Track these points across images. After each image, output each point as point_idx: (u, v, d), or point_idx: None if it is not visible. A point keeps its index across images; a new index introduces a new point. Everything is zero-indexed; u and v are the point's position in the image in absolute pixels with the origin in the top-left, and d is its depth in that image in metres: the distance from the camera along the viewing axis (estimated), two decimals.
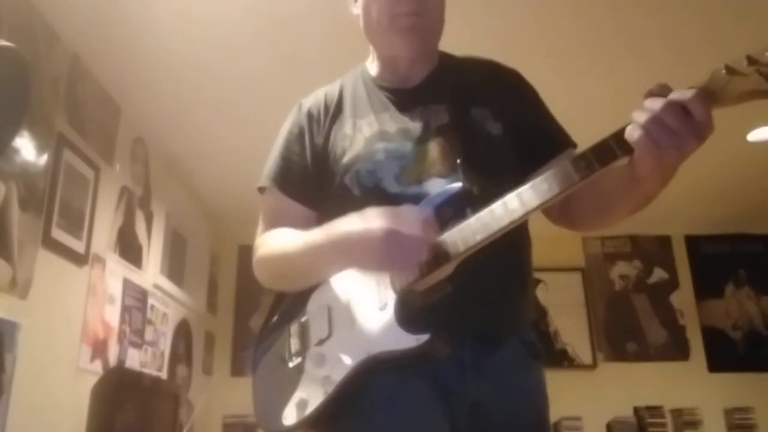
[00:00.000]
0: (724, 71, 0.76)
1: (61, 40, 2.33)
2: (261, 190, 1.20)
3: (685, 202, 4.05)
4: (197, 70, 2.63)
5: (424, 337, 0.89)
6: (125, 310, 2.80)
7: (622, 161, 0.83)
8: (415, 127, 1.09)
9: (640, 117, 0.79)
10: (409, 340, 0.89)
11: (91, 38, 2.39)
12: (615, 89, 2.71)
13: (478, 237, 0.88)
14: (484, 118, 1.10)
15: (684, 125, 0.77)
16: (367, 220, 0.91)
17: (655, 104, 0.78)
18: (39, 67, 2.16)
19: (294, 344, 1.04)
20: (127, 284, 2.84)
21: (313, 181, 1.14)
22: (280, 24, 2.36)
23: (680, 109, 0.77)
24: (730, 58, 0.77)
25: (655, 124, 0.78)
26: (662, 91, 0.80)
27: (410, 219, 0.89)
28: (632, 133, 0.80)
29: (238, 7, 2.27)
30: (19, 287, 1.99)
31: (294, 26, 2.37)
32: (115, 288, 2.73)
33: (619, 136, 0.82)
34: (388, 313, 0.94)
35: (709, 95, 0.77)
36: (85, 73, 2.52)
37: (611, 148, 0.82)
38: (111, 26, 2.33)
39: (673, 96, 0.78)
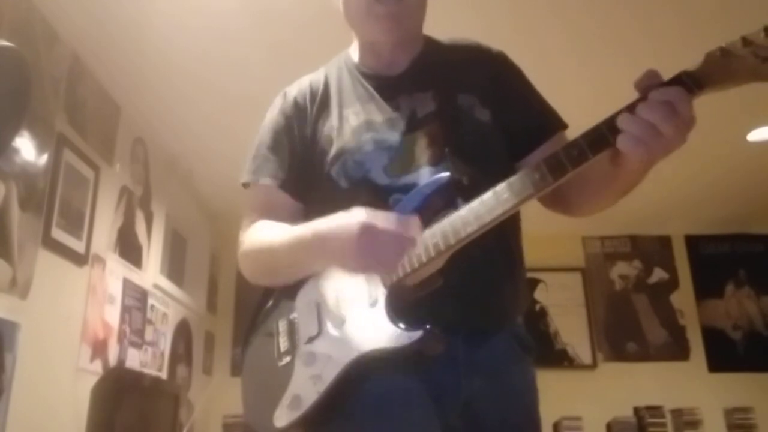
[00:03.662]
0: (719, 54, 0.75)
1: (61, 40, 2.32)
2: (245, 184, 1.16)
3: (685, 202, 4.05)
4: (197, 71, 2.63)
5: (416, 335, 0.87)
6: (125, 310, 2.79)
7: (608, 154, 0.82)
8: (402, 116, 1.07)
9: (631, 126, 0.78)
10: (401, 338, 0.88)
11: (91, 38, 2.38)
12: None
13: (469, 229, 0.87)
14: (471, 104, 1.08)
15: (676, 130, 0.76)
16: (348, 216, 0.89)
17: (652, 115, 0.77)
18: (39, 67, 2.16)
19: (283, 343, 1.02)
20: (127, 284, 2.84)
21: (300, 172, 1.11)
22: (284, 23, 2.37)
23: (673, 113, 0.76)
24: (712, 44, 0.76)
25: (651, 133, 0.77)
26: (651, 81, 0.79)
27: (390, 217, 0.88)
28: (624, 142, 0.78)
29: (240, 7, 2.27)
30: (19, 287, 1.99)
31: (297, 26, 2.37)
32: (115, 288, 2.72)
33: (611, 122, 0.80)
34: (379, 310, 0.92)
35: (705, 78, 0.76)
36: (85, 73, 2.52)
37: (604, 135, 0.81)
38: (111, 26, 2.33)
39: (663, 97, 0.77)
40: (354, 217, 0.88)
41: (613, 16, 2.40)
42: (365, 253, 0.86)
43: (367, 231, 0.86)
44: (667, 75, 0.79)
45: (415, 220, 0.89)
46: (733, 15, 2.22)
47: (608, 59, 2.62)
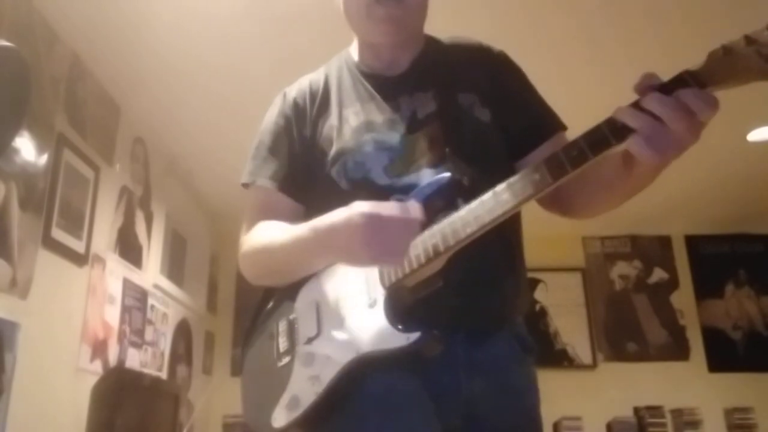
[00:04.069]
0: (721, 52, 0.74)
1: (61, 40, 2.32)
2: (245, 185, 1.16)
3: (685, 202, 4.05)
4: (197, 70, 2.63)
5: (415, 336, 0.86)
6: (125, 310, 2.79)
7: (616, 149, 0.80)
8: (403, 116, 1.07)
9: (642, 124, 0.75)
10: (400, 339, 0.87)
11: (91, 38, 2.38)
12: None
13: (469, 230, 0.86)
14: (471, 104, 1.08)
15: (691, 129, 0.74)
16: (350, 210, 0.88)
17: (662, 108, 0.74)
18: (39, 67, 2.16)
19: (282, 343, 1.02)
20: (127, 284, 2.84)
21: (300, 173, 1.11)
22: (281, 22, 2.37)
23: (689, 114, 0.73)
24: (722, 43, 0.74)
25: (662, 132, 0.74)
26: (650, 82, 0.77)
27: (393, 205, 0.88)
28: (635, 144, 0.75)
29: (238, 5, 2.28)
30: (19, 287, 1.99)
31: (295, 24, 2.37)
32: (115, 288, 2.72)
33: (612, 123, 0.79)
34: (378, 311, 0.91)
35: (708, 78, 0.74)
36: (85, 73, 2.52)
37: (605, 136, 0.79)
38: (111, 26, 2.33)
39: (684, 100, 0.74)
40: (356, 209, 0.87)
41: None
42: (374, 242, 0.85)
43: (372, 220, 0.85)
44: (673, 68, 0.78)
45: (414, 204, 0.88)
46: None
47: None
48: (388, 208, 0.87)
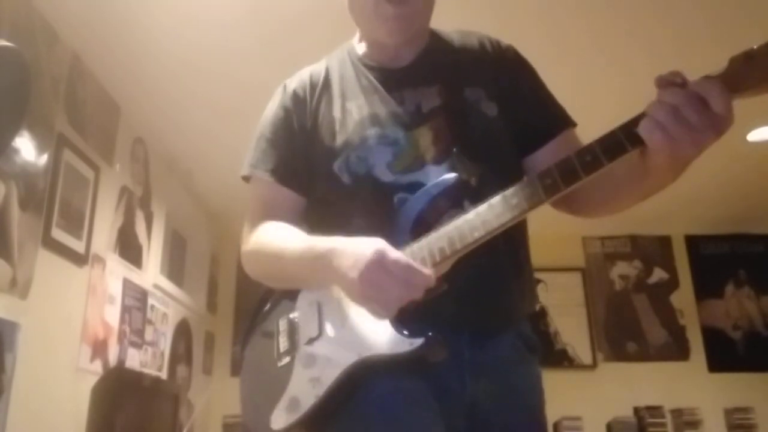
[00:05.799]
0: (743, 58, 0.72)
1: (61, 40, 2.32)
2: (245, 178, 1.14)
3: (685, 202, 4.05)
4: (197, 70, 2.63)
5: (418, 341, 0.85)
6: (125, 310, 2.79)
7: (631, 155, 0.78)
8: (407, 110, 1.05)
9: (658, 111, 0.74)
10: (402, 344, 0.86)
11: (91, 38, 2.38)
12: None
13: (476, 234, 0.85)
14: (478, 98, 1.05)
15: (704, 120, 0.72)
16: (369, 240, 0.87)
17: (675, 98, 0.73)
18: (39, 67, 2.16)
19: (283, 342, 1.00)
20: (127, 284, 2.84)
21: (301, 165, 1.09)
22: (280, 25, 2.37)
23: (701, 102, 0.72)
24: (739, 47, 0.73)
25: (674, 119, 0.73)
26: (675, 78, 0.75)
27: (409, 261, 0.85)
28: (648, 129, 0.74)
29: (238, 7, 2.28)
30: (19, 287, 1.99)
31: (294, 27, 2.37)
32: (115, 288, 2.72)
33: (628, 128, 0.77)
34: None
35: (729, 84, 0.72)
36: (85, 73, 2.52)
37: (620, 141, 0.77)
38: (111, 26, 2.33)
39: (694, 88, 0.73)
40: (373, 242, 0.86)
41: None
42: (369, 282, 0.84)
43: (378, 260, 0.83)
44: (691, 72, 0.77)
45: (429, 275, 0.85)
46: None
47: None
48: (404, 260, 0.84)
